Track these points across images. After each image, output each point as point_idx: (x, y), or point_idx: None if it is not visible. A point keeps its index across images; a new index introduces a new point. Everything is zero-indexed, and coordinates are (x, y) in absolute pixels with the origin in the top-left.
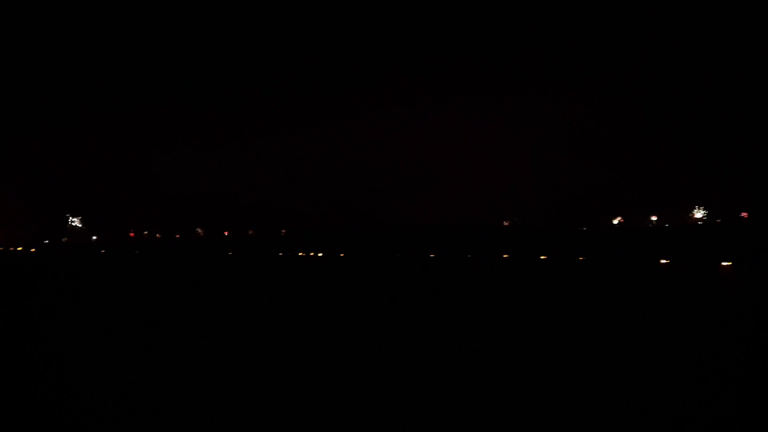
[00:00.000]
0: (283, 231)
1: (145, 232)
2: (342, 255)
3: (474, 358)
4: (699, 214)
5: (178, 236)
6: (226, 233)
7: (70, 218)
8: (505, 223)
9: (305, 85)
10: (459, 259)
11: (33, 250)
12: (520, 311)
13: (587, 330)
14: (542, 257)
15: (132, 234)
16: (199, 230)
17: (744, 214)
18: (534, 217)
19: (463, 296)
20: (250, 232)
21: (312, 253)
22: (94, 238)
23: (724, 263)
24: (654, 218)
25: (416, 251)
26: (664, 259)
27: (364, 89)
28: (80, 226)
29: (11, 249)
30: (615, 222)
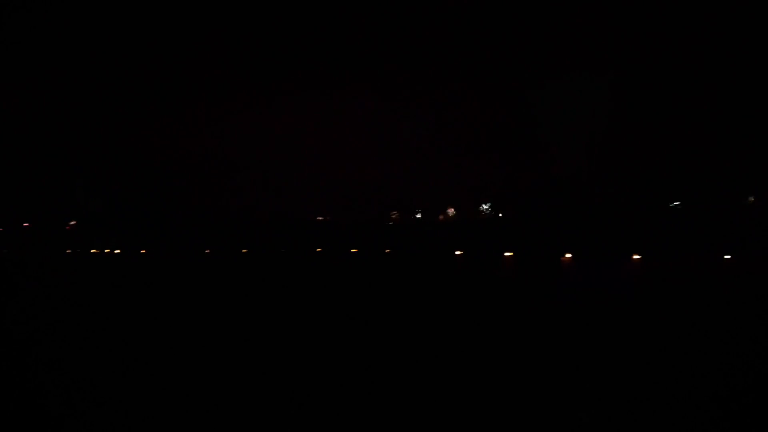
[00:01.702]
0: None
1: None
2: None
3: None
4: (485, 206)
5: None
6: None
7: None
8: (319, 218)
9: (143, 80)
10: (273, 254)
11: None
12: (324, 303)
13: (381, 319)
14: (353, 250)
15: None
16: None
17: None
18: (349, 212)
19: (268, 291)
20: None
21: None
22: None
23: (506, 253)
24: (451, 211)
25: (228, 246)
26: (458, 250)
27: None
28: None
29: None
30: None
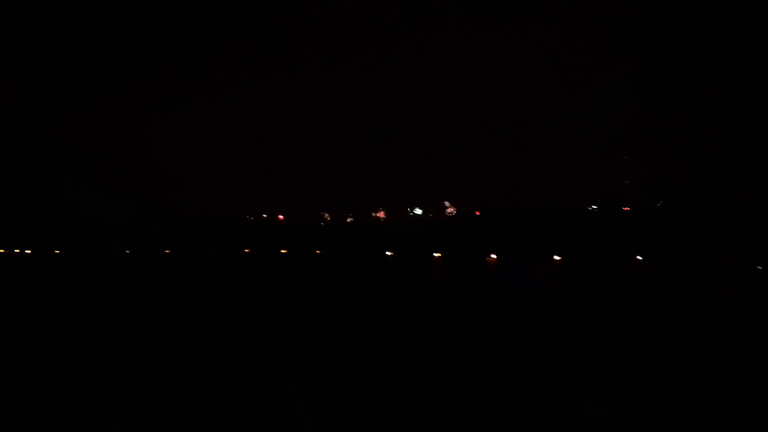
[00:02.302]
0: None
1: None
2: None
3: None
4: (418, 210)
5: None
6: None
7: None
8: (249, 218)
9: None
10: (197, 255)
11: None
12: (252, 305)
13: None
14: (282, 251)
15: None
16: None
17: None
18: (287, 212)
19: (188, 294)
20: None
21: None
22: None
23: (435, 254)
24: (381, 215)
25: (152, 247)
26: (389, 251)
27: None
28: None
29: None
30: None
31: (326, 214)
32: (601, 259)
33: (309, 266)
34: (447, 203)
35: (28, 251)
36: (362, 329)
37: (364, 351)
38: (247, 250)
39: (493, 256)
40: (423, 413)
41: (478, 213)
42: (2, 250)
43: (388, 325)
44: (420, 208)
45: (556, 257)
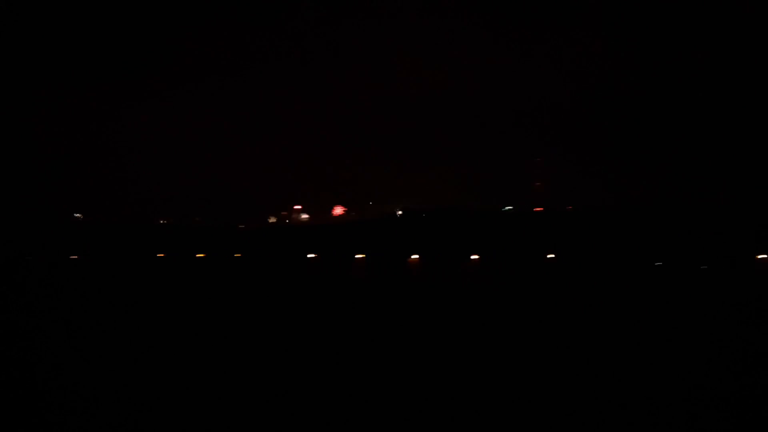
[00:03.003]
0: None
1: None
2: None
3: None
4: (339, 210)
5: None
6: None
7: None
8: (162, 222)
9: None
10: (107, 260)
11: None
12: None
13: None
14: (198, 255)
15: None
16: None
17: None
18: (193, 215)
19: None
20: None
21: None
22: None
23: (357, 256)
24: (306, 216)
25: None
26: (311, 253)
27: None
28: None
29: None
30: (271, 221)
31: (248, 217)
32: (516, 258)
33: (229, 270)
34: (370, 203)
35: None
36: (284, 331)
37: (284, 352)
38: (160, 255)
39: (415, 256)
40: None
41: (400, 213)
42: None
43: (311, 327)
44: (343, 209)
45: (474, 256)
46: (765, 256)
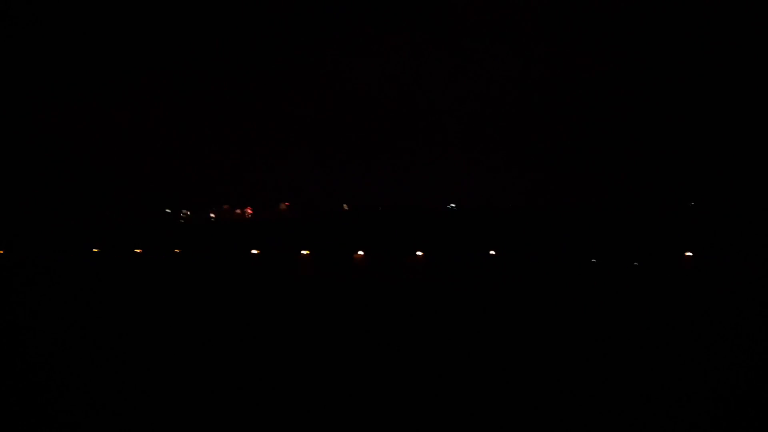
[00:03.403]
0: None
1: None
2: None
3: None
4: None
5: None
6: None
7: None
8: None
9: None
10: (34, 255)
11: None
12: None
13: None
14: (94, 250)
15: None
16: None
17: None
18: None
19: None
20: None
21: None
22: None
23: (303, 251)
24: (212, 215)
25: None
26: (255, 250)
27: None
28: None
29: None
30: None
31: (187, 211)
32: (460, 254)
33: (167, 265)
34: (315, 200)
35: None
36: (227, 328)
37: (226, 349)
38: (95, 250)
39: (360, 252)
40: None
41: (346, 207)
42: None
43: (257, 323)
44: (288, 204)
45: (419, 253)
46: (690, 253)
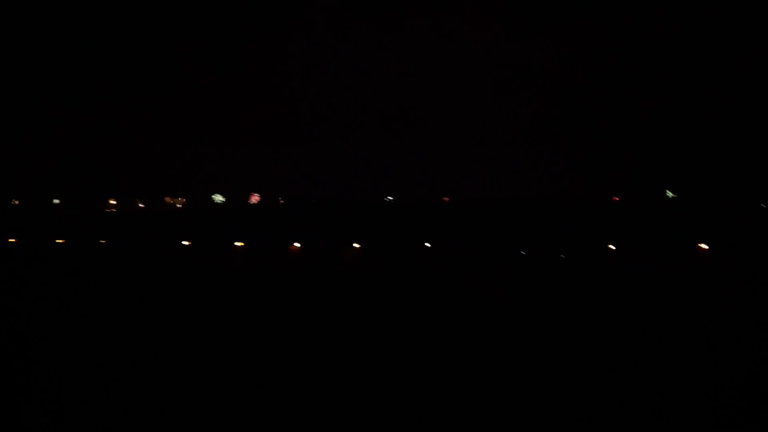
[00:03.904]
0: None
1: None
2: None
3: None
4: (218, 198)
5: None
6: None
7: None
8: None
9: None
10: None
11: None
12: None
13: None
14: (58, 241)
15: None
16: None
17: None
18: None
19: None
20: None
21: None
22: None
23: (236, 243)
24: (178, 203)
25: None
26: (186, 241)
27: None
28: None
29: None
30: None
31: (113, 200)
32: (396, 246)
33: (95, 258)
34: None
35: None
36: (160, 322)
37: (159, 342)
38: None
39: (297, 244)
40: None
41: (282, 201)
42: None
43: (188, 318)
44: (221, 195)
45: (356, 245)
46: (613, 247)
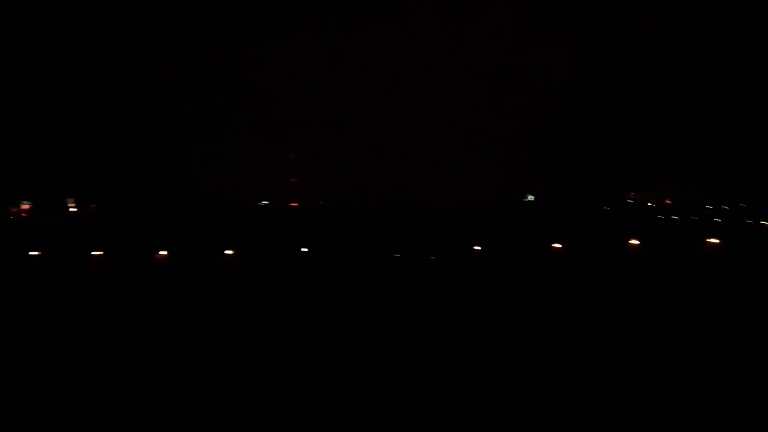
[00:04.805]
0: None
1: None
2: None
3: None
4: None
5: None
6: None
7: None
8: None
9: None
10: None
11: None
12: None
13: None
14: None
15: None
16: None
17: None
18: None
19: None
20: None
21: None
22: None
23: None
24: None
25: None
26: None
27: None
28: None
29: None
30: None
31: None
32: (272, 251)
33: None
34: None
35: None
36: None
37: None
38: None
39: (163, 252)
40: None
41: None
42: None
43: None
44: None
45: (228, 252)
46: (479, 248)
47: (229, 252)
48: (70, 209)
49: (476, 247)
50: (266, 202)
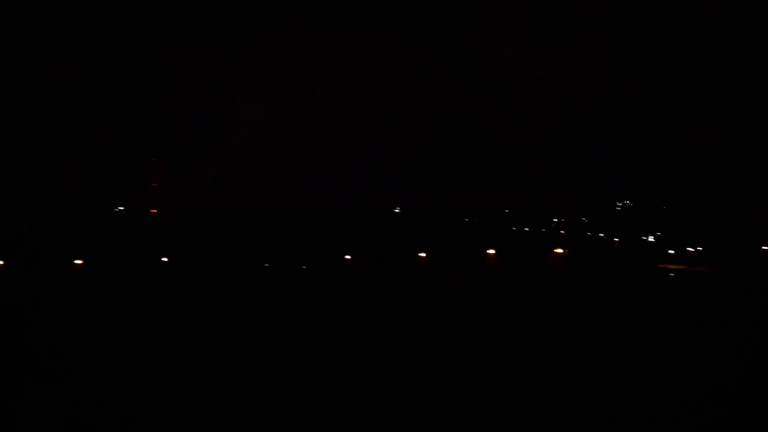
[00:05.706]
0: None
1: None
2: None
3: None
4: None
5: None
6: None
7: None
8: None
9: None
10: None
11: None
12: None
13: None
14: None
15: None
16: None
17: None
18: None
19: None
20: None
21: None
22: None
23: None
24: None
25: None
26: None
27: None
28: None
29: None
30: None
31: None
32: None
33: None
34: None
35: None
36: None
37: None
38: None
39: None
40: None
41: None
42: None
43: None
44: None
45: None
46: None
47: (78, 262)
48: None
49: (347, 256)
50: (122, 208)
